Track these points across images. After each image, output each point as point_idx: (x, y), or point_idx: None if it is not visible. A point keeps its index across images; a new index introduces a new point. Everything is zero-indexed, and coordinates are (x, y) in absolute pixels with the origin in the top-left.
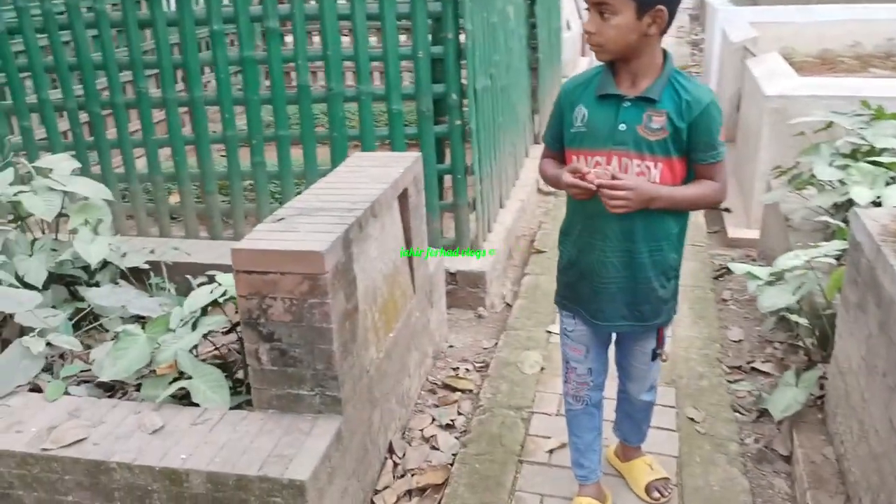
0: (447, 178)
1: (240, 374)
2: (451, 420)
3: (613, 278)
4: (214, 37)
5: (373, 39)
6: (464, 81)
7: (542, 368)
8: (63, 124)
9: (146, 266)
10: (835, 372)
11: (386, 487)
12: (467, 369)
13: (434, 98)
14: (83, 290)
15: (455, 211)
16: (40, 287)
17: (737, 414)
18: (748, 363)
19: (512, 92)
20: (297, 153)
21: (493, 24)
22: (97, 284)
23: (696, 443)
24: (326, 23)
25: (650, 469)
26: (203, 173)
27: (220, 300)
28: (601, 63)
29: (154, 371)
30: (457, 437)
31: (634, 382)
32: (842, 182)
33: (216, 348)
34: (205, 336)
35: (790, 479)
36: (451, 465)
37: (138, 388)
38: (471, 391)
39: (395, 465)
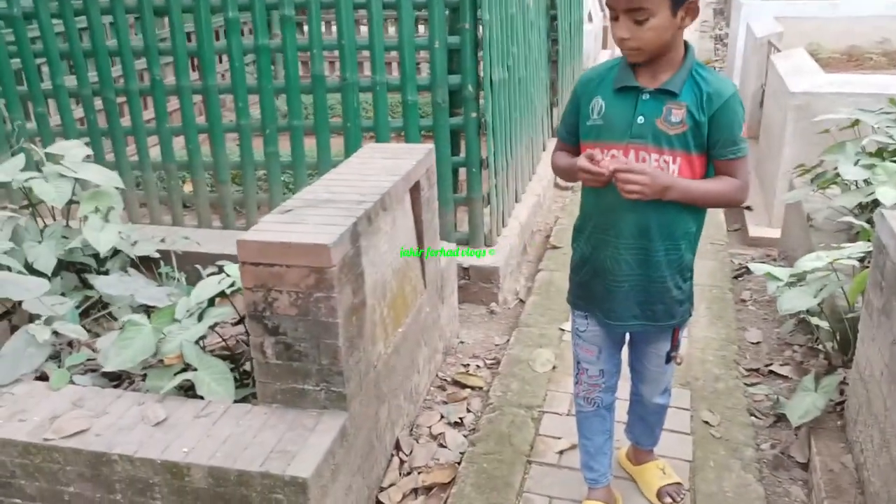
0: (462, 171)
1: (247, 366)
2: (460, 417)
3: (627, 276)
4: (229, 24)
5: (390, 29)
6: (480, 73)
7: (555, 367)
8: (78, 111)
9: (157, 255)
10: (856, 378)
11: (392, 485)
12: (478, 366)
13: (450, 89)
14: (92, 278)
15: (469, 204)
16: (49, 274)
17: (753, 418)
18: (766, 366)
19: (530, 84)
20: (310, 143)
21: (512, 14)
22: (107, 272)
23: (710, 447)
24: (342, 11)
25: (662, 473)
26: (216, 162)
27: (228, 291)
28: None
29: (162, 361)
30: (465, 436)
31: (648, 385)
32: (867, 182)
33: (224, 340)
34: (212, 327)
35: (807, 487)
36: (459, 463)
37: (144, 377)
38: (481, 388)
39: (402, 462)
